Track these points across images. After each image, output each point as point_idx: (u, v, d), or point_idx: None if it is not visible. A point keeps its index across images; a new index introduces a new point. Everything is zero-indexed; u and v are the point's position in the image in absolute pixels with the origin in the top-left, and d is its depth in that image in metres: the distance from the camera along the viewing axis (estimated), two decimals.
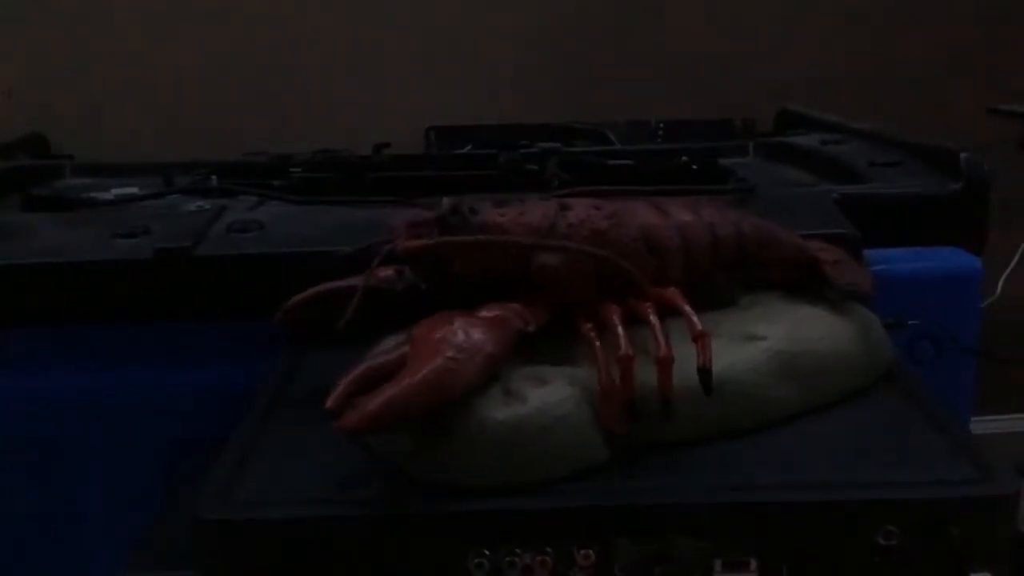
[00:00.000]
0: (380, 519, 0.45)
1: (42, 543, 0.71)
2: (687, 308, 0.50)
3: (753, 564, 0.45)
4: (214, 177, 0.94)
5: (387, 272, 0.58)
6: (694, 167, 0.93)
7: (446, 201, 0.53)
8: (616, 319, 0.49)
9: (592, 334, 0.49)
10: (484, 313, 0.49)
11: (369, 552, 0.45)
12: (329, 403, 0.46)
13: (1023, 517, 0.48)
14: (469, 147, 1.10)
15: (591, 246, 0.51)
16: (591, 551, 0.45)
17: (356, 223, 0.71)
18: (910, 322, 0.67)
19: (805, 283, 0.59)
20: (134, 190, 0.90)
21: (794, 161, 0.96)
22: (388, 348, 0.50)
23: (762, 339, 0.53)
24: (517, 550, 0.45)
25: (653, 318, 0.49)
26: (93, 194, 0.88)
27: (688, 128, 1.24)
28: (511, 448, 0.46)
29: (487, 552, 0.45)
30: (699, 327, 0.49)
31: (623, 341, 0.48)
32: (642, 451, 0.49)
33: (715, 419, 0.50)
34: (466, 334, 0.47)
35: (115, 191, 0.89)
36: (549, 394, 0.48)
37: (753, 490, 0.46)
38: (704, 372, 0.48)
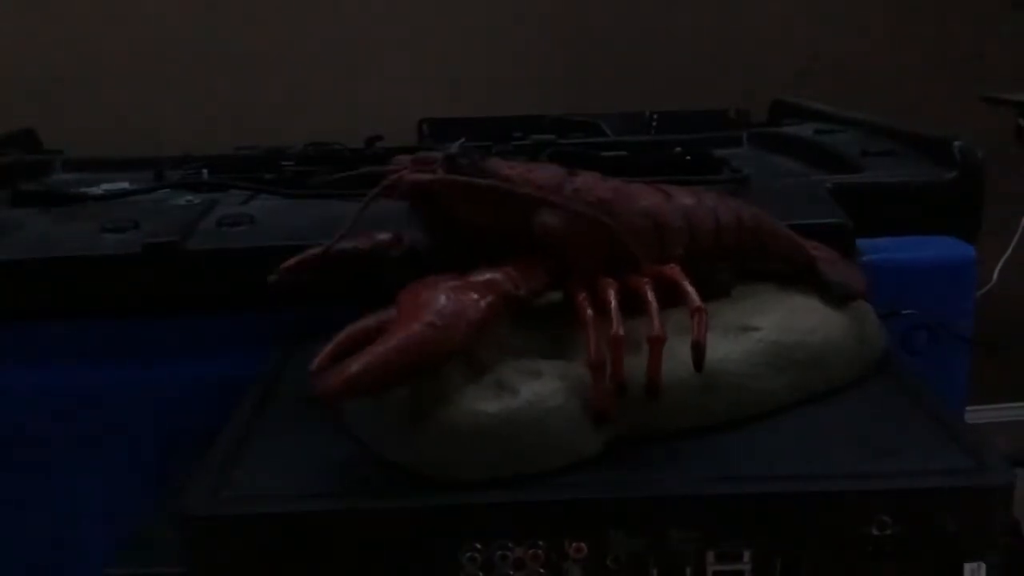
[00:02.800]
0: (370, 513, 0.45)
1: (34, 538, 0.70)
2: (686, 284, 0.49)
3: (746, 555, 0.45)
4: (205, 171, 0.93)
5: (384, 236, 0.57)
6: (688, 158, 0.93)
7: (456, 144, 0.51)
8: (612, 295, 0.48)
9: (585, 304, 0.48)
10: (474, 276, 0.48)
11: (360, 546, 0.44)
12: (312, 366, 0.45)
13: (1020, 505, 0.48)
14: (463, 139, 1.09)
15: (595, 212, 0.50)
16: (584, 544, 0.44)
17: (348, 216, 0.71)
18: (904, 312, 0.67)
19: (796, 275, 0.59)
20: (124, 185, 0.89)
21: (788, 151, 0.95)
22: (376, 315, 0.48)
23: (755, 330, 0.53)
24: (509, 543, 0.44)
25: (650, 295, 0.48)
26: (83, 189, 0.87)
27: (682, 119, 1.23)
28: (503, 441, 0.46)
29: (479, 545, 0.44)
30: (697, 302, 0.48)
31: (616, 319, 0.47)
32: (635, 443, 0.49)
33: (708, 410, 0.50)
34: (449, 299, 0.46)
35: (105, 186, 0.88)
36: (541, 387, 0.48)
37: (746, 481, 0.46)
38: (697, 347, 0.47)
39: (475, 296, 0.47)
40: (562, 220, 0.50)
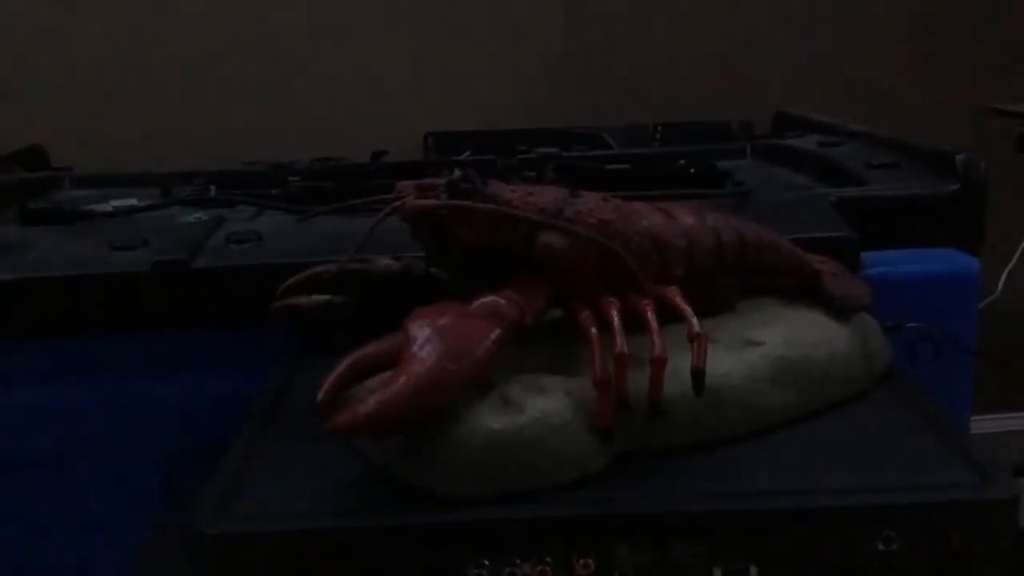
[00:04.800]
0: (379, 530, 0.45)
1: (41, 554, 0.71)
2: (686, 308, 0.50)
3: (753, 571, 0.45)
4: (212, 187, 0.94)
5: (387, 261, 0.58)
6: (691, 170, 0.93)
7: (457, 169, 0.52)
8: (615, 313, 0.49)
9: (589, 322, 0.49)
10: (478, 305, 0.48)
11: (368, 563, 0.44)
12: (320, 396, 0.46)
13: None
14: (468, 153, 1.10)
15: (597, 234, 0.50)
16: (590, 559, 0.45)
17: (355, 232, 0.71)
18: (909, 324, 0.67)
19: (801, 290, 0.59)
20: (133, 201, 0.90)
21: (791, 163, 0.96)
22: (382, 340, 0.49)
23: (760, 344, 0.53)
24: (517, 559, 0.45)
25: (651, 316, 0.49)
26: (91, 206, 0.88)
27: (686, 131, 1.24)
28: (509, 457, 0.46)
29: (487, 562, 0.44)
30: (696, 328, 0.48)
31: (619, 338, 0.48)
32: (640, 458, 0.49)
33: (713, 425, 0.50)
34: (459, 333, 0.46)
35: (113, 203, 0.89)
36: (547, 403, 0.48)
37: (752, 497, 0.46)
38: (697, 372, 0.48)
39: (484, 328, 0.47)
40: (564, 242, 0.50)
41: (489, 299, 0.49)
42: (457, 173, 0.51)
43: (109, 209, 0.87)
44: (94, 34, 1.38)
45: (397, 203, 0.51)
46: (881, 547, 0.44)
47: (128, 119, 1.38)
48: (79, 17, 1.38)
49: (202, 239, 0.73)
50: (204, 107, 1.40)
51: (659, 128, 1.26)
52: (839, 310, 0.57)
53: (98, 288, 0.68)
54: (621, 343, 0.47)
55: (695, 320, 0.49)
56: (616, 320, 0.48)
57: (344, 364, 0.47)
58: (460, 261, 0.52)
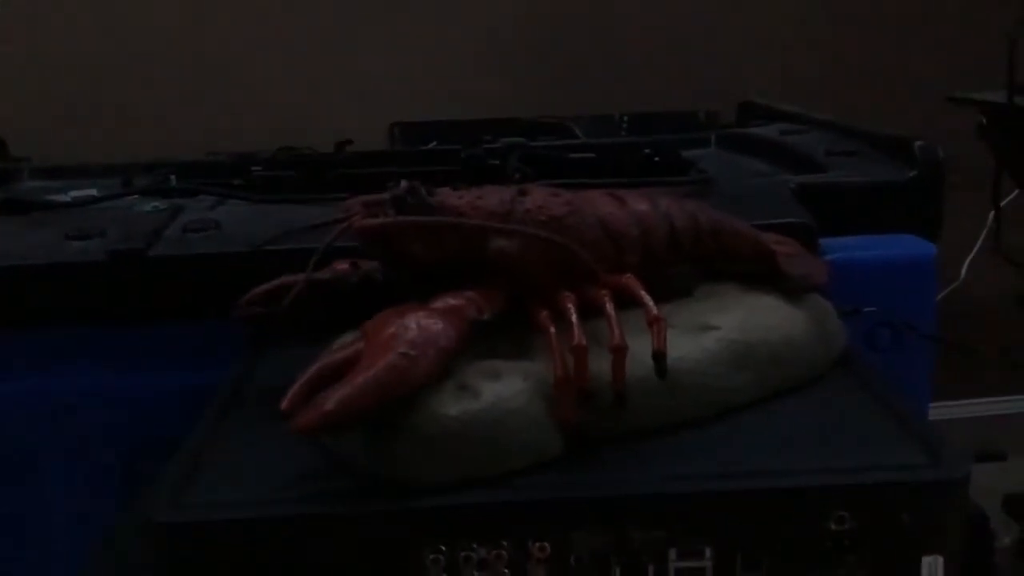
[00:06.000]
0: (334, 517, 0.45)
1: (2, 546, 0.70)
2: (643, 294, 0.50)
3: (708, 552, 0.45)
4: (173, 177, 0.93)
5: (342, 266, 0.58)
6: (655, 159, 0.93)
7: (403, 182, 0.52)
8: (571, 307, 0.49)
9: (547, 322, 0.49)
10: (438, 304, 0.49)
11: (324, 550, 0.44)
12: (284, 405, 0.45)
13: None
14: (434, 143, 1.09)
15: (548, 232, 0.51)
16: (546, 543, 0.45)
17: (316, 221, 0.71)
18: (867, 309, 0.68)
19: (761, 274, 0.59)
20: (92, 192, 0.89)
21: (754, 152, 0.96)
22: (343, 345, 0.49)
23: (716, 329, 0.54)
24: (473, 545, 0.45)
25: (608, 306, 0.49)
26: (50, 197, 0.87)
27: (652, 121, 1.24)
28: (465, 443, 0.46)
29: (443, 548, 0.44)
30: (654, 311, 0.49)
31: (577, 330, 0.48)
32: (596, 443, 0.49)
33: (669, 409, 0.51)
34: (419, 327, 0.47)
35: (72, 193, 0.88)
36: (503, 388, 0.48)
37: (706, 479, 0.46)
38: (659, 356, 0.48)
39: (443, 323, 0.47)
40: (515, 245, 0.51)
41: (448, 298, 0.49)
42: (403, 185, 0.51)
43: (67, 199, 0.86)
44: (55, 23, 1.37)
45: (344, 224, 0.52)
46: (834, 527, 0.45)
47: (89, 110, 1.36)
48: (39, 5, 1.36)
49: (160, 228, 0.72)
50: (165, 97, 1.39)
51: (625, 118, 1.27)
52: (795, 289, 0.58)
53: (53, 278, 0.67)
54: (579, 336, 0.48)
55: (652, 305, 0.49)
56: (573, 315, 0.49)
57: (311, 371, 0.47)
58: (415, 273, 0.52)
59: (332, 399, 0.44)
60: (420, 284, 0.51)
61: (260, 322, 0.59)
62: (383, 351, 0.46)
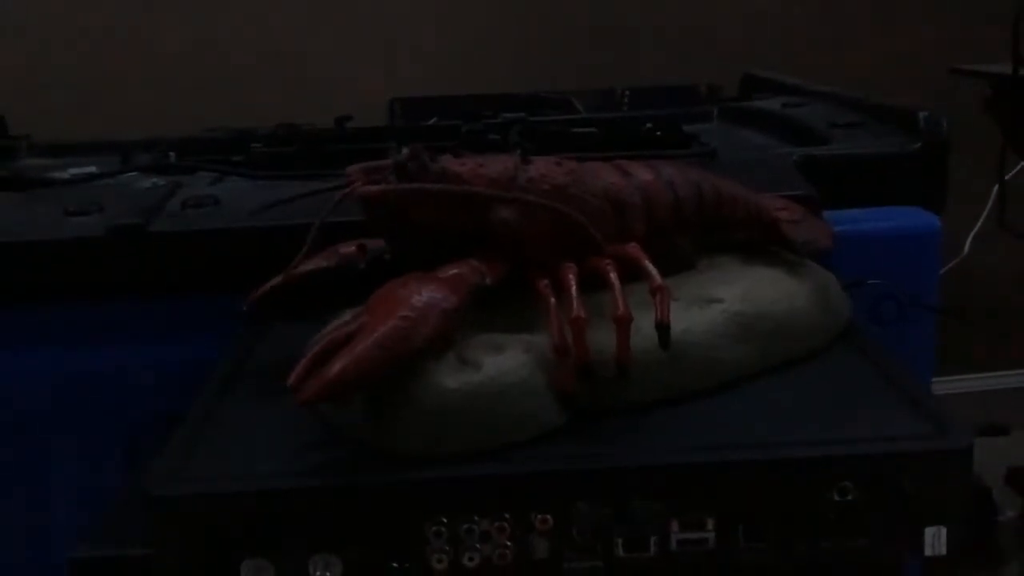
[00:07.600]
0: (335, 490, 0.45)
1: (3, 519, 0.70)
2: (647, 263, 0.49)
3: (710, 523, 0.45)
4: (173, 154, 0.92)
5: (348, 249, 0.58)
6: (658, 133, 0.93)
7: (405, 149, 0.51)
8: (571, 278, 0.49)
9: (547, 291, 0.49)
10: (441, 272, 0.49)
11: (325, 523, 0.44)
12: (291, 379, 0.45)
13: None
14: (435, 119, 1.09)
15: (551, 200, 0.50)
16: (549, 516, 0.45)
17: (316, 197, 0.70)
18: (870, 282, 0.68)
19: (765, 243, 0.59)
20: (92, 169, 0.88)
21: (756, 125, 0.96)
22: (347, 320, 0.49)
23: (719, 301, 0.53)
24: (475, 517, 0.44)
25: (612, 276, 0.49)
26: (50, 174, 0.86)
27: (654, 95, 1.23)
28: (466, 416, 0.46)
29: (445, 520, 0.44)
30: (658, 280, 0.48)
31: (575, 302, 0.47)
32: (598, 415, 0.49)
33: (672, 382, 0.50)
34: (420, 293, 0.46)
35: (72, 170, 0.88)
36: (504, 361, 0.48)
37: (708, 450, 0.46)
38: (662, 326, 0.48)
39: (445, 288, 0.47)
40: (518, 213, 0.50)
41: (451, 267, 0.49)
42: (405, 152, 0.51)
43: (67, 176, 0.85)
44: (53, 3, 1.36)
45: (346, 191, 0.51)
46: (837, 498, 0.45)
47: (89, 86, 1.36)
48: None
49: (159, 204, 0.72)
50: (164, 74, 1.38)
51: (627, 93, 1.26)
52: (801, 254, 0.57)
53: (52, 254, 0.67)
54: (577, 307, 0.47)
55: (656, 274, 0.49)
56: (572, 286, 0.48)
57: (318, 347, 0.46)
58: (418, 241, 0.52)
59: (334, 367, 0.44)
60: (423, 256, 0.51)
61: (273, 317, 0.58)
62: (385, 317, 0.45)
